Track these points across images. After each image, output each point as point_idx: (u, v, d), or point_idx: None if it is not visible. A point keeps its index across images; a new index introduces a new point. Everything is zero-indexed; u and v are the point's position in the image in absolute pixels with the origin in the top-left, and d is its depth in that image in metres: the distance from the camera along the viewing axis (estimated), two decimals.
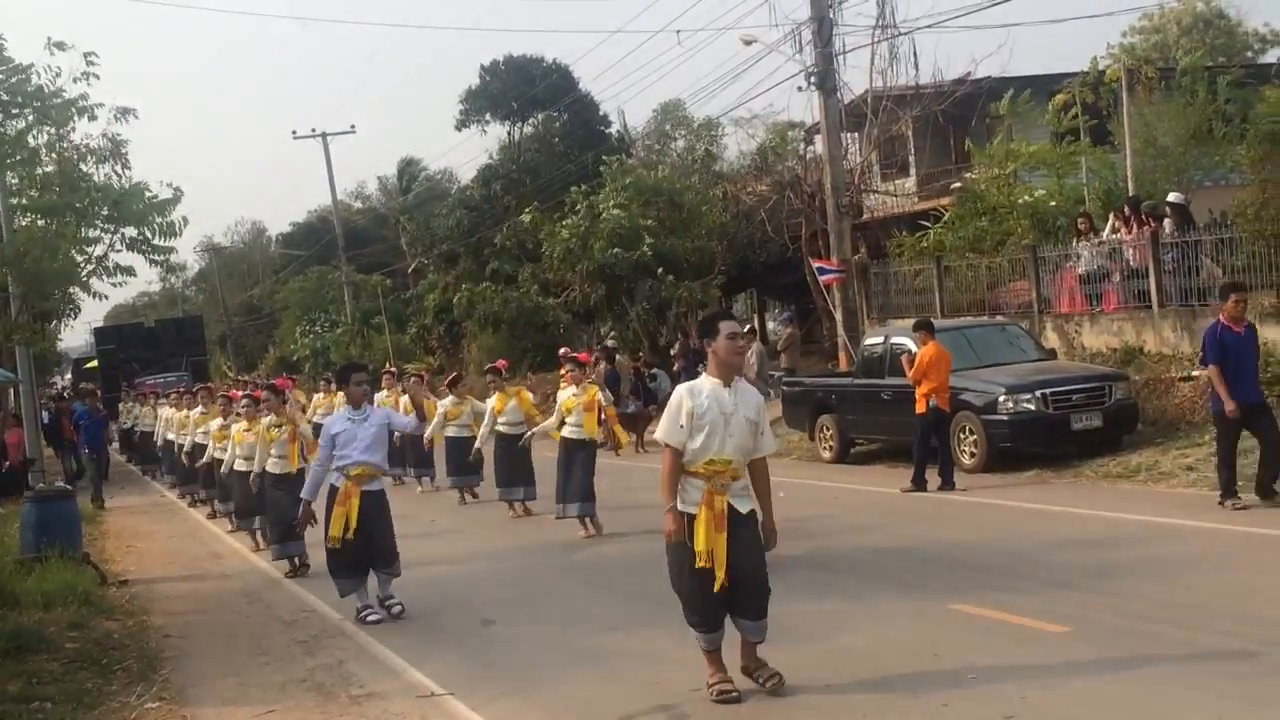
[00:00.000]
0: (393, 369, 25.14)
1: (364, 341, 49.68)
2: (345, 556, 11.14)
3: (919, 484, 16.04)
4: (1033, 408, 16.84)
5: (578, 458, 15.13)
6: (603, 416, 15.53)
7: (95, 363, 55.49)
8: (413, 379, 12.69)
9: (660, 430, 7.91)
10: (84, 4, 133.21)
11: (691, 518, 7.70)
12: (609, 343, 32.47)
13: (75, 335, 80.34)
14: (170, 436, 23.92)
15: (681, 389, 7.90)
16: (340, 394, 13.88)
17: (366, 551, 11.19)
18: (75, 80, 13.66)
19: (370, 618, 11.08)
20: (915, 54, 28.52)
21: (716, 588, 7.65)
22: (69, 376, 65.95)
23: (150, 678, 9.89)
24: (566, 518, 15.22)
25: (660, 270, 31.34)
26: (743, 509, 7.78)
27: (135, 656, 10.64)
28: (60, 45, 13.42)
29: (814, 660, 8.39)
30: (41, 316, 19.20)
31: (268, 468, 14.60)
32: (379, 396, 24.76)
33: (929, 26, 31.21)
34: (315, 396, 26.38)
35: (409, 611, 11.25)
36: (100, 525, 21.18)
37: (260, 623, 11.92)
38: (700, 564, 7.61)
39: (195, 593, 14.22)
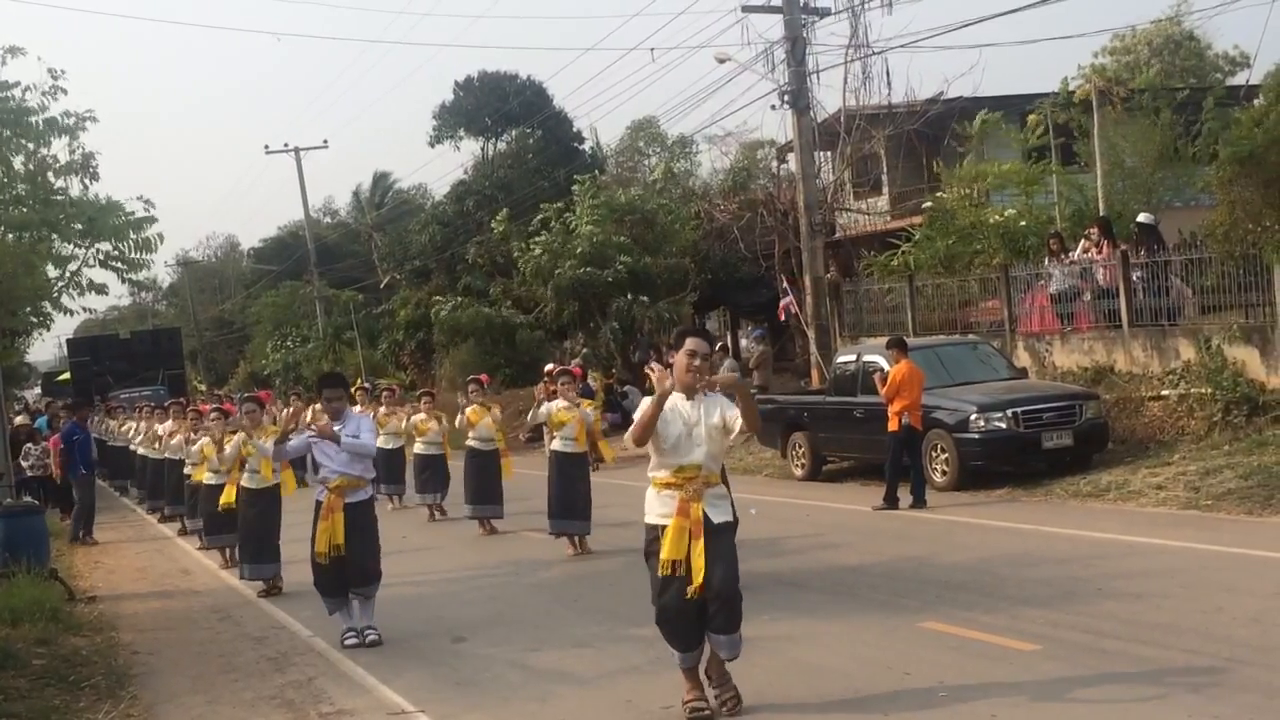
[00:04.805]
0: (365, 385, 25.01)
1: (335, 357, 49.48)
2: (331, 574, 10.72)
3: (891, 502, 16.08)
4: (1004, 426, 16.91)
5: (578, 472, 15.01)
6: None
7: (66, 375, 54.66)
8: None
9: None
10: (54, 18, 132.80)
11: (662, 529, 7.68)
12: (578, 360, 32.45)
13: (43, 348, 79.83)
14: (142, 451, 23.51)
15: (647, 400, 7.80)
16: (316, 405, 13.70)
17: (349, 569, 10.73)
18: (44, 94, 13.64)
19: (349, 642, 10.76)
20: (888, 73, 28.95)
21: (690, 594, 7.57)
22: (38, 390, 65.34)
23: (118, 694, 9.82)
24: (564, 534, 14.90)
25: (629, 292, 31.33)
26: (716, 519, 7.73)
27: (103, 673, 10.56)
28: (15, 50, 13.38)
29: (786, 678, 8.39)
30: (10, 331, 19.05)
31: (242, 482, 14.26)
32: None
33: (902, 46, 31.62)
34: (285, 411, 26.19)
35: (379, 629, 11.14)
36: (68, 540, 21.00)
37: (230, 639, 11.85)
38: (663, 572, 7.60)
39: (164, 609, 14.12)
